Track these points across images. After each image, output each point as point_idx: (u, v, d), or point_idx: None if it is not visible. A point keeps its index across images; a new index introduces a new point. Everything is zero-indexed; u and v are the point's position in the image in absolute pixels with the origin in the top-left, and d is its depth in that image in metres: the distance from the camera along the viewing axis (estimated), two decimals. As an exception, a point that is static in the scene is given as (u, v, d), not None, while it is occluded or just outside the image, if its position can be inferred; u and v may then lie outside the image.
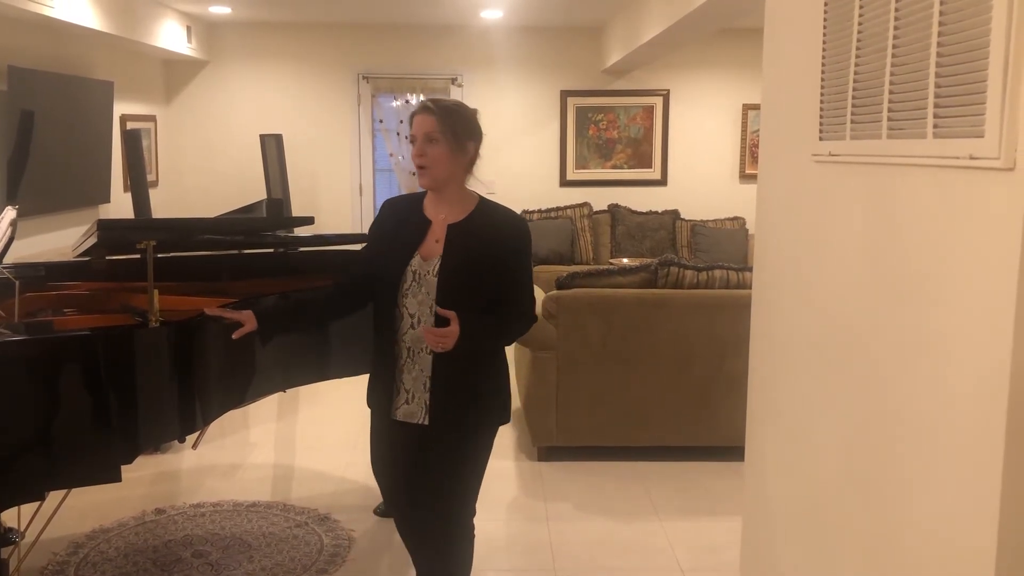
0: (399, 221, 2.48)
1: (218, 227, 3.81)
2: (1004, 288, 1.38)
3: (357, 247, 4.02)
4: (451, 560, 2.54)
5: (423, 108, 2.37)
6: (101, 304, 3.14)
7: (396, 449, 2.50)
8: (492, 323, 2.38)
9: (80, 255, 3.14)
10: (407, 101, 8.14)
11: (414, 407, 2.41)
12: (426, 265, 2.37)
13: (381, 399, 2.46)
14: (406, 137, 2.50)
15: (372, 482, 4.12)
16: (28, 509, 2.87)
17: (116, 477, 2.45)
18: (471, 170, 2.45)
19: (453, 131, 2.34)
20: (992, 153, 1.39)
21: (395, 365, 2.41)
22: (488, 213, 2.44)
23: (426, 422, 2.39)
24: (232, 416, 3.74)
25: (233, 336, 2.43)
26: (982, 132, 1.41)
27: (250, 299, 3.03)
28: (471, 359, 2.37)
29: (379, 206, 9.44)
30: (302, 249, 3.94)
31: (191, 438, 2.81)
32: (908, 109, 1.66)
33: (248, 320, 2.44)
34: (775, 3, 2.50)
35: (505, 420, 2.50)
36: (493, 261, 2.37)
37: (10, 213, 2.94)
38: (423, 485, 2.49)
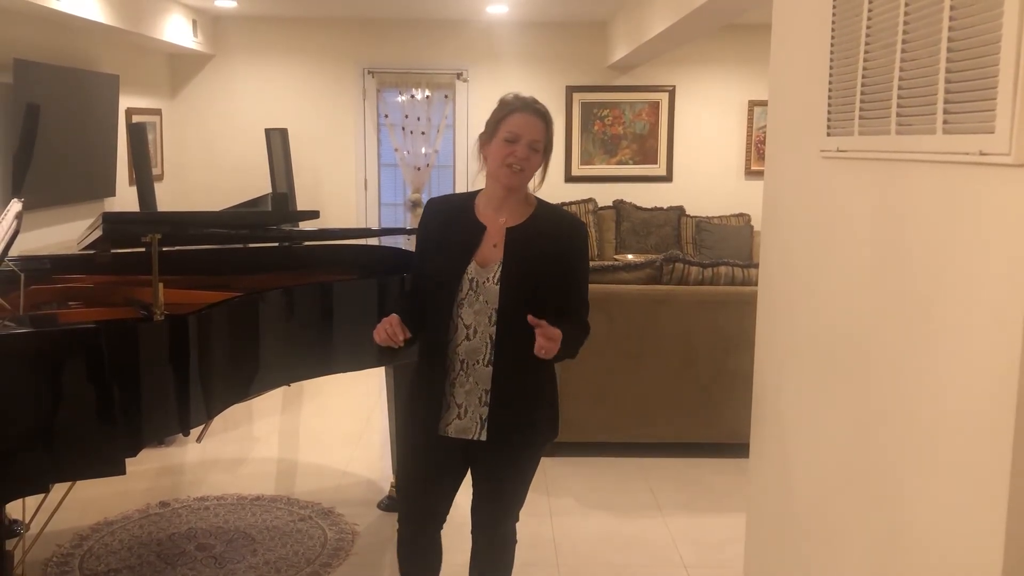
0: (448, 223, 2.33)
1: (223, 221, 3.81)
2: (1013, 286, 1.38)
3: (362, 241, 4.03)
4: (499, 567, 2.53)
5: (535, 111, 2.24)
6: (106, 297, 3.13)
7: (439, 465, 2.37)
8: (574, 331, 2.28)
9: (85, 248, 3.14)
10: (412, 96, 8.13)
11: (467, 422, 2.28)
12: (484, 272, 2.24)
13: (428, 414, 2.31)
14: (490, 131, 2.23)
15: (376, 476, 4.14)
16: (32, 502, 2.87)
17: (120, 470, 2.44)
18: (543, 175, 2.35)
19: (550, 141, 2.28)
20: (1003, 149, 1.38)
21: (445, 378, 2.27)
22: (548, 216, 2.33)
23: (481, 437, 2.28)
24: (236, 410, 3.74)
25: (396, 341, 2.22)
26: (992, 128, 1.40)
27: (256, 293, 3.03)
28: (530, 374, 2.29)
29: (384, 201, 9.27)
30: (307, 243, 3.93)
31: (195, 432, 2.80)
32: (917, 104, 1.65)
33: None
34: (783, -2, 2.49)
35: (555, 435, 2.42)
36: (554, 266, 2.26)
37: (15, 206, 2.94)
38: (449, 500, 2.43)
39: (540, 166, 2.28)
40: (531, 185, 2.33)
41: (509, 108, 2.25)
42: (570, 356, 2.33)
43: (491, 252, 2.26)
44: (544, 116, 2.26)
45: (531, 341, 2.16)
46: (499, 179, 2.26)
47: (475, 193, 2.38)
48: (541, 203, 2.36)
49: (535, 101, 2.27)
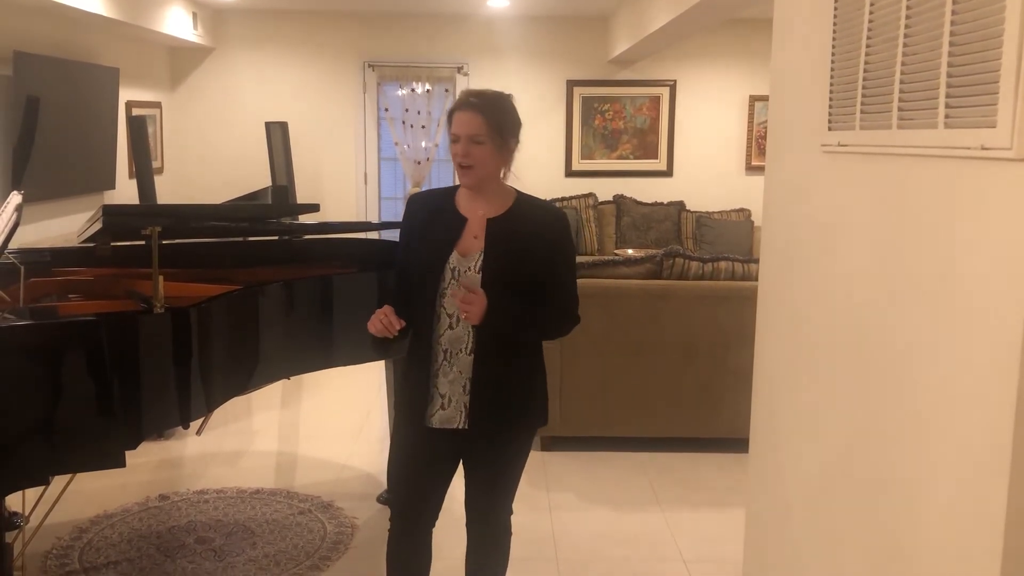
0: (430, 217, 2.35)
1: (223, 214, 3.81)
2: (1014, 280, 1.37)
3: (362, 235, 4.02)
4: (492, 558, 2.53)
5: (468, 105, 2.22)
6: (106, 290, 3.14)
7: (425, 458, 2.36)
8: (522, 307, 2.26)
9: (85, 241, 3.14)
10: (413, 90, 8.12)
11: (451, 412, 2.29)
12: (466, 261, 2.26)
13: (413, 406, 2.33)
14: (448, 133, 2.25)
15: (375, 470, 4.14)
16: (32, 494, 2.88)
17: (120, 463, 2.45)
18: (510, 163, 2.32)
19: (499, 129, 2.23)
20: (1004, 143, 1.37)
21: (429, 369, 2.29)
22: (528, 207, 2.34)
23: (465, 426, 2.28)
24: (236, 403, 3.74)
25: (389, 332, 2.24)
26: (994, 122, 1.40)
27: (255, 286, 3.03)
28: (511, 358, 2.30)
29: (384, 195, 9.24)
30: (307, 237, 3.93)
31: (195, 425, 2.81)
32: (919, 99, 1.64)
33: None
34: (785, -8, 2.48)
35: (544, 422, 2.42)
36: (535, 256, 2.27)
37: (15, 198, 2.94)
38: (441, 494, 2.43)
39: (496, 156, 2.26)
40: (513, 176, 2.35)
41: (452, 107, 2.28)
42: (525, 333, 2.33)
43: (472, 243, 2.28)
44: (479, 107, 2.22)
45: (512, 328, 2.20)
46: (458, 177, 2.31)
47: (456, 187, 2.39)
48: (521, 195, 2.36)
49: (474, 94, 2.25)
